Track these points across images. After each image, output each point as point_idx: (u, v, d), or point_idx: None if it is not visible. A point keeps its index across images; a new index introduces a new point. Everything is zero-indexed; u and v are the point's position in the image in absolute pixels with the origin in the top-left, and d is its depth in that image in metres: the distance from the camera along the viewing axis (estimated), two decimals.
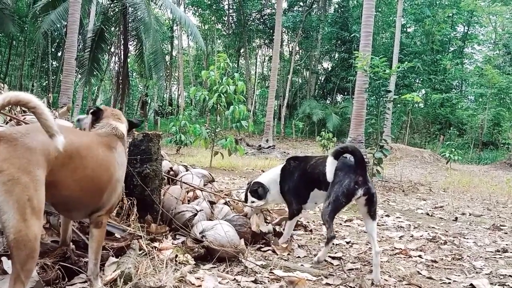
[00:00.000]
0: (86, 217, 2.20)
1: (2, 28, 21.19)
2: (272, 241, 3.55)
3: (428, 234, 4.47)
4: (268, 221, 3.91)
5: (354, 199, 2.96)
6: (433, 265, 3.36)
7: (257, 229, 3.47)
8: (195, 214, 3.33)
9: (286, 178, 3.56)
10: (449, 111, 27.15)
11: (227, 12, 34.96)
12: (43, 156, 1.67)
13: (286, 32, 34.43)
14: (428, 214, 5.90)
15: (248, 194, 3.69)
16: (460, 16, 29.44)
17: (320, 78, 36.43)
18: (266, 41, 36.33)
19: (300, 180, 3.45)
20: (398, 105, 24.56)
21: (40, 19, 19.70)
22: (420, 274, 3.12)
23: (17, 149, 1.60)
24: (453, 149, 16.37)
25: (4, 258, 2.13)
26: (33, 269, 1.66)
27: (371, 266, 3.18)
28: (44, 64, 28.95)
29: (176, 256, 2.79)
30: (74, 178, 1.87)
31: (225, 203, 3.90)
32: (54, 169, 1.73)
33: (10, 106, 3.56)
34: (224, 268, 2.85)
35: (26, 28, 26.47)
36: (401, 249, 3.73)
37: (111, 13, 20.50)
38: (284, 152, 18.70)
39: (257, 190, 3.63)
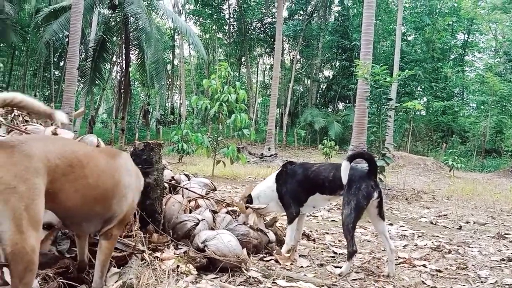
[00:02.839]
0: (98, 229, 2.12)
1: (4, 38, 21.36)
2: (275, 251, 3.52)
3: (432, 243, 4.43)
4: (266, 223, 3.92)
5: (371, 201, 3.14)
6: (437, 275, 3.32)
7: (255, 225, 3.50)
8: (197, 224, 3.31)
9: (284, 182, 3.61)
10: (451, 118, 27.12)
11: (228, 21, 35.11)
12: (42, 164, 1.59)
13: (286, 40, 34.58)
14: (432, 223, 5.85)
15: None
16: (460, 24, 29.52)
17: (321, 86, 36.50)
18: (267, 49, 36.49)
19: (300, 184, 3.51)
20: (400, 113, 24.54)
21: (42, 29, 19.81)
22: (425, 283, 3.08)
23: (13, 155, 1.51)
24: (456, 157, 16.29)
25: (6, 269, 2.11)
26: (32, 282, 1.59)
27: (375, 276, 3.16)
28: (46, 74, 29.09)
29: (178, 266, 2.77)
30: (75, 188, 1.78)
31: (227, 212, 3.88)
32: (55, 178, 1.65)
33: (9, 114, 3.56)
34: (227, 278, 2.82)
35: (28, 38, 26.68)
36: (405, 258, 3.70)
37: (113, 23, 20.65)
38: (286, 161, 18.65)
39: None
